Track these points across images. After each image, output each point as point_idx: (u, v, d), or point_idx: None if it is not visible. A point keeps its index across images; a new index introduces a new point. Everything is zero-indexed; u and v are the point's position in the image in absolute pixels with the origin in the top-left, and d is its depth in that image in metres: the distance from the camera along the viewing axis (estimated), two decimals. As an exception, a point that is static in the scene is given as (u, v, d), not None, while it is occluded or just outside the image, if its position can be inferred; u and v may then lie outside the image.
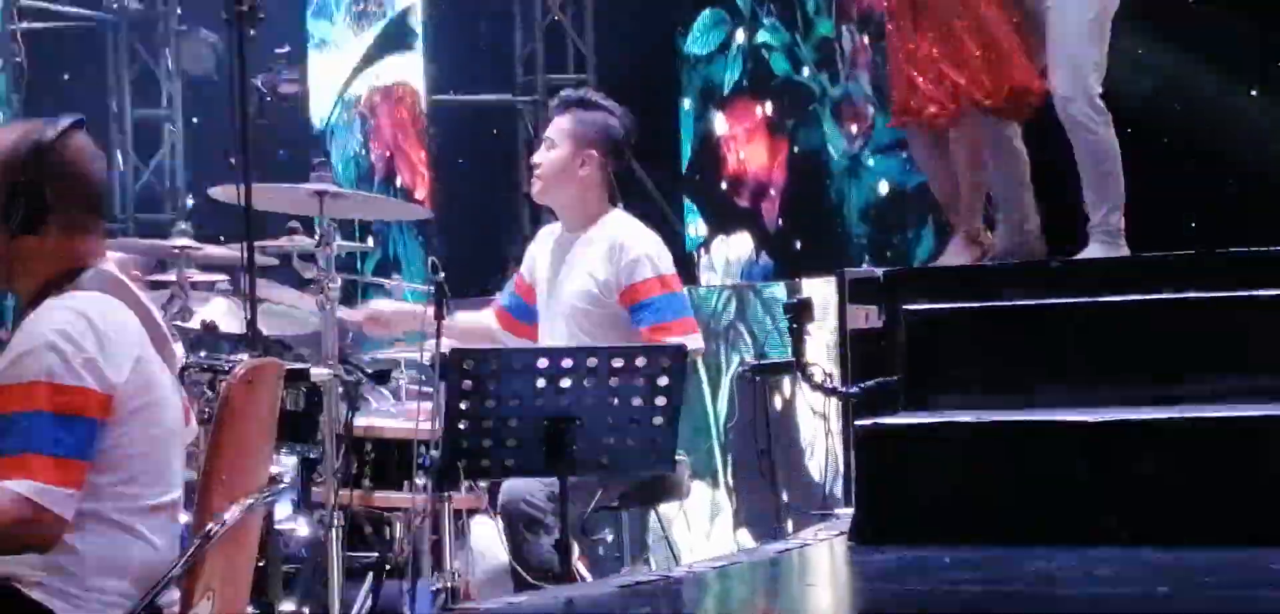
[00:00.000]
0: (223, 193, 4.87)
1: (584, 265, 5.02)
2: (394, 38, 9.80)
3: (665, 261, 5.04)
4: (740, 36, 8.40)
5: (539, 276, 5.19)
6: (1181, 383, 3.96)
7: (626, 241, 4.99)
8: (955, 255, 5.26)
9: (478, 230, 8.97)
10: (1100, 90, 5.00)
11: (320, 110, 10.04)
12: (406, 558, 5.02)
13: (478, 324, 5.29)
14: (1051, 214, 5.23)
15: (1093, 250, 4.96)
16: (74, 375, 3.13)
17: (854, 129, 7.73)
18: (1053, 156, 5.18)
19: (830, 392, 5.08)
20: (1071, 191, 5.12)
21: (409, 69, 9.65)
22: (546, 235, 5.28)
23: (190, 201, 9.77)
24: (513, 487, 4.70)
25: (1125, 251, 4.96)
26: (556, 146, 5.12)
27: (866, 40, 7.88)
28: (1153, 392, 3.95)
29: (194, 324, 5.39)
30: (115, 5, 9.98)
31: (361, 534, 5.12)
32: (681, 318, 4.98)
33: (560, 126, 5.14)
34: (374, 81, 9.89)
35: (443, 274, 4.73)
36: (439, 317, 4.66)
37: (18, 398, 3.11)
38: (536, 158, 5.21)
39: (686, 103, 8.58)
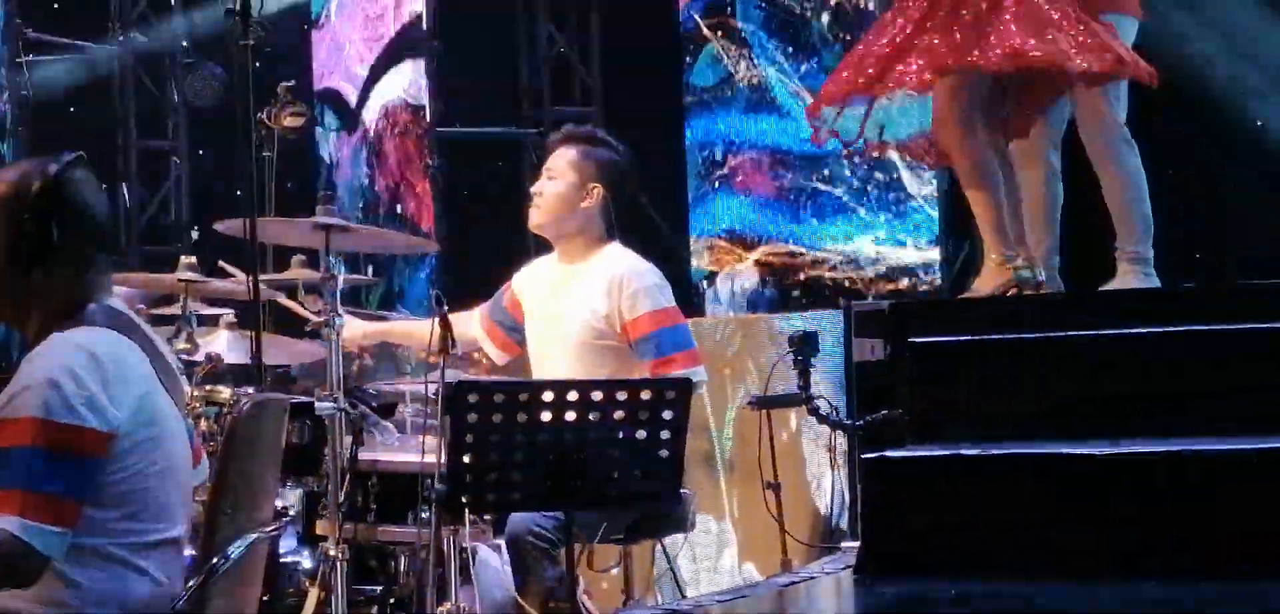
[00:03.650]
0: (227, 226, 4.87)
1: (584, 299, 5.00)
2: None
3: (666, 294, 5.03)
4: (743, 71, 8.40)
5: (532, 307, 5.18)
6: (1190, 415, 3.93)
7: (626, 275, 4.98)
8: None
9: (483, 263, 8.97)
10: (1124, 117, 4.99)
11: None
12: (411, 592, 5.00)
13: (465, 334, 5.22)
14: (1073, 245, 5.21)
15: (1123, 278, 4.94)
16: (72, 413, 3.10)
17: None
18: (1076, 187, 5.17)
19: (836, 424, 5.08)
20: (1091, 224, 5.10)
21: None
22: (540, 266, 5.27)
23: (195, 234, 9.78)
24: (518, 519, 4.69)
25: (1156, 282, 4.93)
26: (558, 178, 5.10)
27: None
28: (1161, 424, 3.93)
29: (198, 357, 5.38)
30: (122, 37, 9.99)
31: (366, 568, 5.11)
32: (685, 349, 4.96)
33: (563, 158, 5.11)
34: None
35: (446, 307, 4.72)
36: (443, 349, 4.65)
37: (12, 433, 3.09)
38: (536, 188, 5.18)
39: (691, 135, 8.58)
